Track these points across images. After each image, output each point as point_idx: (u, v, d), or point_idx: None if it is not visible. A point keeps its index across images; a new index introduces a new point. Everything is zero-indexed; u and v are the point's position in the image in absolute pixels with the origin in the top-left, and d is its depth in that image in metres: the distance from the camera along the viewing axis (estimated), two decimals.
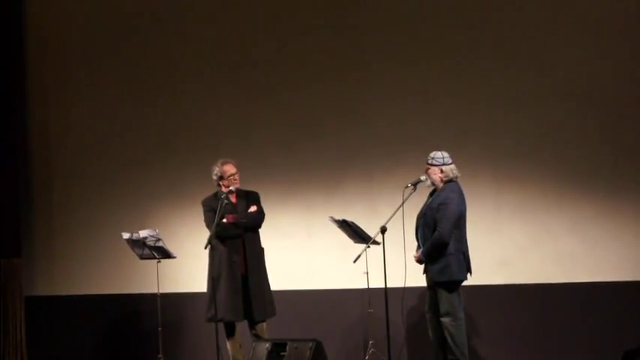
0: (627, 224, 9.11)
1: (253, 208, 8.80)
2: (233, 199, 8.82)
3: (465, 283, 8.36)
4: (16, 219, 10.15)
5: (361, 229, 8.73)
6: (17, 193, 10.20)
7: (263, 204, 8.94)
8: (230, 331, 8.85)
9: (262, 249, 8.87)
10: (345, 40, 9.72)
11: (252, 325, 8.78)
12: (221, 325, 8.77)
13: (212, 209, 8.71)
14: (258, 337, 8.70)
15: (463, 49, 9.45)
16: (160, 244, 9.10)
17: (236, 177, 8.81)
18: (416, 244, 8.49)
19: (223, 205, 8.63)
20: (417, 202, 8.50)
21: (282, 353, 8.27)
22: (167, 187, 10.04)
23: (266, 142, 9.80)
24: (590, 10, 9.23)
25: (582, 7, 9.25)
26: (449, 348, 8.29)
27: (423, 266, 8.41)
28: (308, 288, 9.57)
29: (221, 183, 8.84)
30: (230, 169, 8.81)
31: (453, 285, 8.28)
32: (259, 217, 8.82)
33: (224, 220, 8.66)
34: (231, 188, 8.77)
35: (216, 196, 8.83)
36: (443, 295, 8.27)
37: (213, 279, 8.68)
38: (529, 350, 9.24)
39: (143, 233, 9.07)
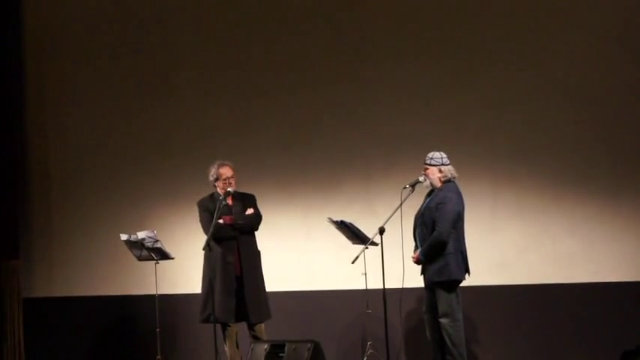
0: (625, 225, 9.12)
1: (250, 211, 8.79)
2: (229, 201, 8.81)
3: (463, 283, 8.36)
4: (14, 220, 10.14)
5: (359, 230, 8.73)
6: (15, 194, 10.18)
7: (261, 205, 8.94)
8: (226, 332, 8.82)
9: (258, 251, 8.85)
10: (343, 41, 9.72)
11: (251, 326, 8.77)
12: (219, 327, 8.76)
13: (207, 210, 8.72)
14: (256, 339, 8.70)
15: (461, 49, 9.45)
16: (158, 245, 9.10)
17: (231, 180, 8.79)
18: (414, 244, 8.49)
19: (221, 207, 8.63)
20: (415, 203, 8.50)
21: (280, 354, 8.26)
22: (165, 189, 10.03)
23: (264, 143, 9.79)
24: (587, 11, 9.23)
25: (580, 8, 9.26)
26: (447, 348, 8.29)
27: (421, 267, 8.41)
28: (306, 289, 9.56)
29: (217, 184, 8.84)
30: (226, 172, 8.80)
31: (452, 285, 8.28)
32: (256, 220, 8.81)
33: (220, 221, 8.66)
34: (228, 190, 8.76)
35: (212, 197, 8.82)
36: (441, 296, 8.27)
37: (209, 280, 8.67)
38: (527, 351, 9.24)
39: (141, 234, 9.07)
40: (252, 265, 8.73)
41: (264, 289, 8.81)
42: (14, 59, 10.31)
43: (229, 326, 8.82)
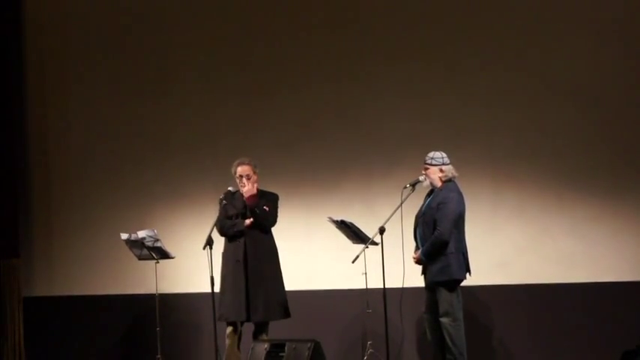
0: (626, 224, 9.12)
1: (266, 208, 8.74)
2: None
3: (463, 283, 8.36)
4: (14, 219, 10.14)
5: (360, 230, 8.73)
6: (15, 193, 10.19)
7: None
8: (233, 332, 8.79)
9: (272, 250, 8.75)
10: (344, 40, 9.72)
11: (256, 331, 8.74)
12: (220, 326, 8.75)
13: (223, 206, 8.69)
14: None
15: (461, 49, 9.46)
16: (158, 244, 9.10)
17: (244, 180, 8.72)
18: (414, 244, 8.49)
19: (222, 205, 8.64)
20: (416, 203, 8.50)
21: (280, 354, 8.25)
22: (165, 188, 10.03)
23: (264, 143, 9.79)
24: (588, 10, 9.24)
25: (580, 7, 9.26)
26: (447, 348, 8.29)
27: (421, 267, 8.41)
28: (306, 288, 9.55)
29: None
30: (240, 170, 8.73)
31: (453, 284, 8.28)
32: (268, 217, 8.73)
33: (247, 222, 8.62)
34: (229, 189, 8.76)
35: (234, 194, 8.77)
36: (442, 295, 8.27)
37: (222, 279, 8.69)
38: (528, 350, 9.24)
39: (141, 234, 9.08)
40: (260, 265, 8.67)
41: (278, 288, 8.71)
42: (15, 59, 10.32)
43: (232, 326, 8.78)
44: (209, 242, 8.52)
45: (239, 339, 8.80)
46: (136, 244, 9.14)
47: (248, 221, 8.66)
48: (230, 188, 8.78)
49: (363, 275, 8.68)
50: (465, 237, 8.35)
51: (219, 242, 8.73)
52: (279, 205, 8.82)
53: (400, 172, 9.09)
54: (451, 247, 8.23)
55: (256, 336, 8.71)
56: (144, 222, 9.76)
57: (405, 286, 8.40)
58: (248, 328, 8.81)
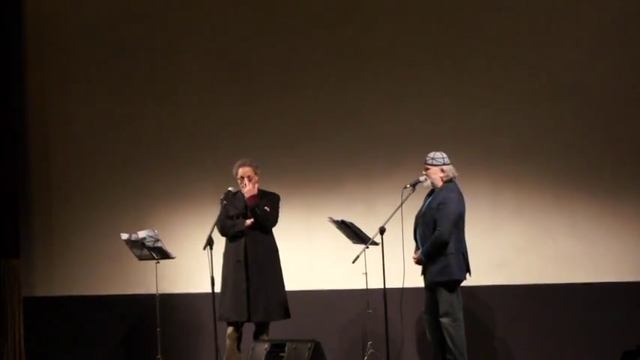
0: (626, 225, 9.12)
1: (266, 209, 8.73)
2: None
3: (463, 283, 8.37)
4: (14, 219, 10.14)
5: (360, 230, 8.74)
6: (16, 193, 10.19)
7: None
8: (233, 332, 8.79)
9: (272, 250, 8.75)
10: (345, 41, 9.72)
11: (256, 331, 8.74)
12: (220, 326, 8.75)
13: (224, 206, 8.69)
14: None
15: (462, 49, 9.46)
16: (158, 244, 9.11)
17: (245, 181, 8.70)
18: (414, 244, 8.50)
19: (223, 205, 8.64)
20: (416, 203, 8.50)
21: (280, 354, 8.26)
22: (166, 188, 10.03)
23: (265, 143, 9.79)
24: (588, 10, 9.24)
25: (581, 7, 9.27)
26: (448, 348, 8.29)
27: (421, 267, 8.41)
28: (307, 288, 9.55)
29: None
30: (240, 172, 8.72)
31: (453, 284, 8.28)
32: (270, 218, 8.74)
33: (248, 222, 8.62)
34: (229, 189, 8.76)
35: (235, 195, 8.77)
36: (442, 295, 8.27)
37: (223, 279, 8.69)
38: (528, 351, 9.24)
39: (142, 234, 9.08)
40: (260, 265, 8.66)
41: (277, 289, 8.70)
42: (16, 59, 10.32)
43: (232, 327, 8.78)
44: (209, 242, 8.52)
45: (239, 339, 8.80)
46: (137, 244, 9.14)
47: (249, 221, 8.67)
48: (230, 188, 8.77)
49: (363, 275, 8.68)
50: (465, 237, 8.36)
51: (220, 242, 8.73)
52: (280, 206, 8.82)
53: (400, 172, 9.09)
54: (451, 248, 8.24)
55: (257, 336, 8.71)
56: (144, 222, 9.75)
57: (405, 286, 8.40)
58: (248, 329, 8.80)
